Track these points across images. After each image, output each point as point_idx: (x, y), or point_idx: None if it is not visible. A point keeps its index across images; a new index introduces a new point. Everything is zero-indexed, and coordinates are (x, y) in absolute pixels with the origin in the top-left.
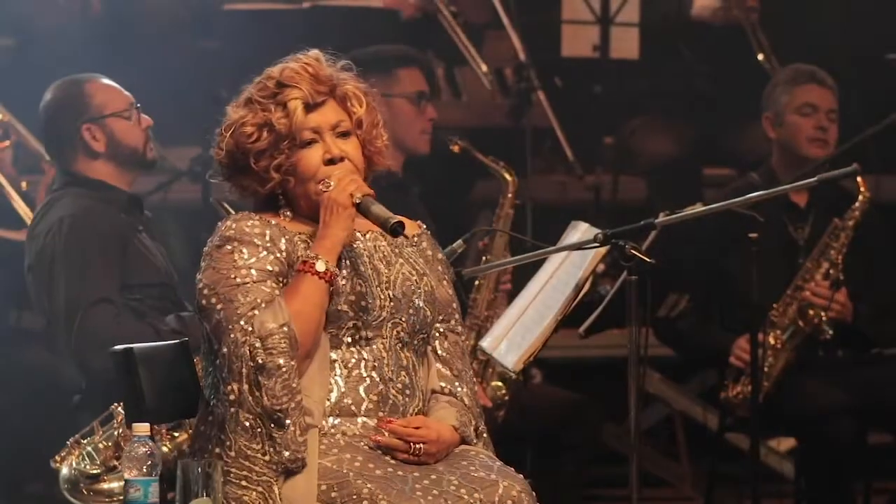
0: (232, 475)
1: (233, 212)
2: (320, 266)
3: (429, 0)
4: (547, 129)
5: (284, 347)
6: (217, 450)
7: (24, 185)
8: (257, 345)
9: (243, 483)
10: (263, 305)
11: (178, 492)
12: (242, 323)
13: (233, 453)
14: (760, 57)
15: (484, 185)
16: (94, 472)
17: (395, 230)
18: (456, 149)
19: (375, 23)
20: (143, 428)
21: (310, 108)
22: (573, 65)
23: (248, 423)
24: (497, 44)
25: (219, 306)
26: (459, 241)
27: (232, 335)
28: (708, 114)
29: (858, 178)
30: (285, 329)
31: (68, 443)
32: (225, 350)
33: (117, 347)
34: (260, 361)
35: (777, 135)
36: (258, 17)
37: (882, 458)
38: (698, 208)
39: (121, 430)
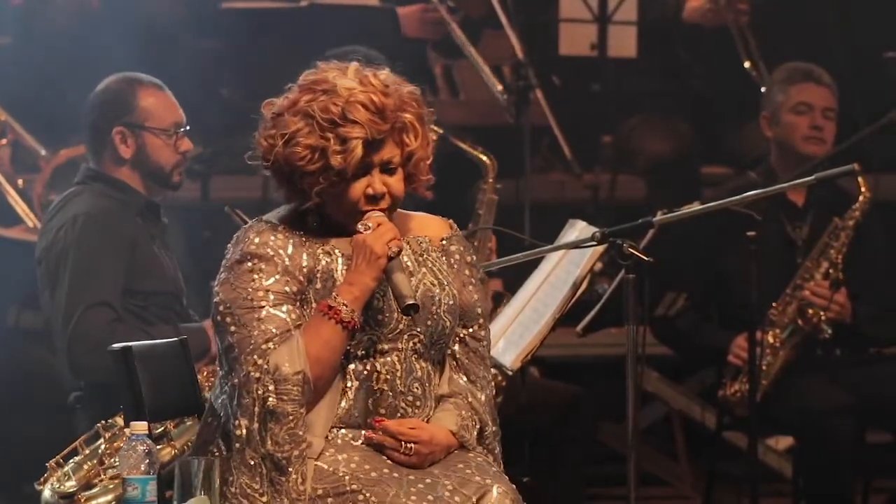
0: None
1: (247, 220)
2: (346, 315)
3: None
4: (545, 127)
5: (296, 395)
6: (218, 424)
7: (20, 182)
8: (270, 387)
9: None
10: (278, 338)
11: (176, 490)
12: (256, 357)
13: (234, 489)
14: (747, 64)
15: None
16: (70, 490)
17: (407, 312)
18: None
19: (373, 21)
20: (141, 426)
21: (368, 145)
22: (571, 63)
23: (252, 462)
24: (495, 42)
25: (232, 328)
26: None
27: (245, 367)
28: (706, 112)
29: (859, 178)
30: (299, 377)
31: (48, 465)
32: (236, 381)
33: (115, 346)
34: (270, 406)
35: (774, 134)
36: (256, 15)
37: (881, 457)
38: (696, 207)
39: (105, 447)
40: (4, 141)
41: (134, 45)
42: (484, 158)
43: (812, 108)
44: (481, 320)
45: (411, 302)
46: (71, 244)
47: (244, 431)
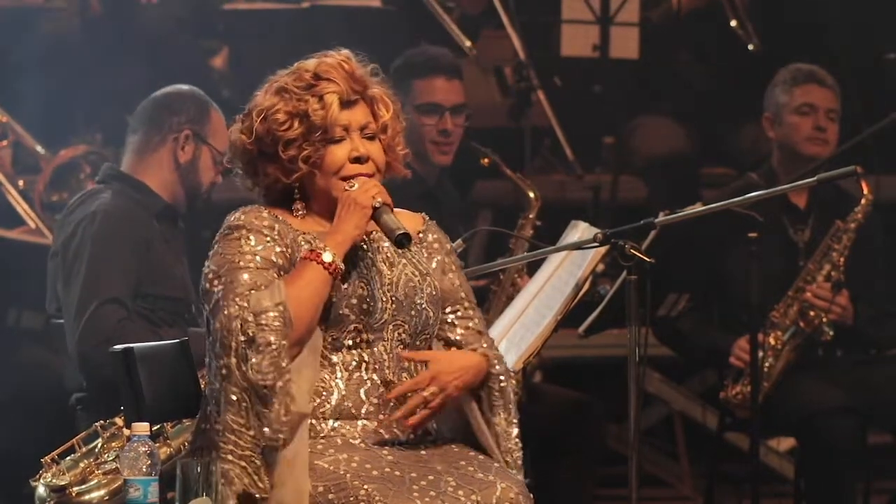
0: (221, 449)
1: None
2: (327, 257)
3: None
4: (546, 128)
5: (277, 325)
6: (210, 426)
7: (21, 183)
8: (249, 319)
9: (229, 457)
10: (263, 287)
11: (178, 491)
12: (238, 300)
13: (219, 426)
14: (733, 23)
15: (484, 186)
16: (62, 484)
17: (401, 242)
18: (485, 162)
19: (374, 22)
20: (142, 427)
21: (344, 104)
22: (573, 64)
23: (234, 398)
24: (497, 43)
25: (218, 287)
26: (459, 241)
27: (226, 311)
28: (707, 113)
29: (862, 181)
30: (280, 308)
31: (43, 461)
32: (217, 325)
33: (117, 347)
34: (251, 334)
35: (776, 134)
36: (258, 16)
37: (882, 458)
38: (698, 208)
39: (103, 446)
40: (5, 142)
41: (135, 47)
42: (531, 194)
43: (815, 109)
44: (467, 302)
45: (402, 231)
46: (88, 239)
47: (225, 370)
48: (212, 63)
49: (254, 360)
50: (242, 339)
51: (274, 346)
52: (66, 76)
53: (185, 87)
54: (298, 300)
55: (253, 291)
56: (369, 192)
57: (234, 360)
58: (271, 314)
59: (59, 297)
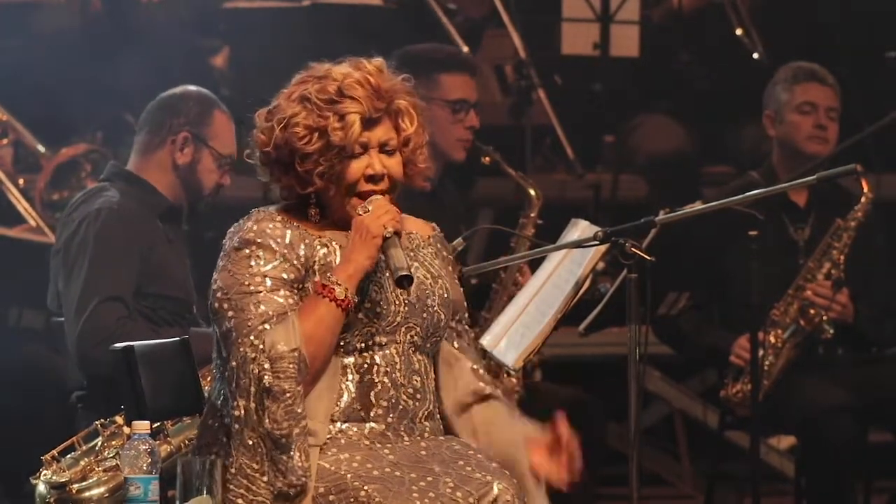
0: (231, 491)
1: None
2: (340, 293)
3: None
4: (547, 126)
5: (292, 372)
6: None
7: (21, 181)
8: (266, 366)
9: (239, 501)
10: (275, 319)
11: (179, 489)
12: (252, 338)
13: (233, 470)
14: (739, 31)
15: (484, 184)
16: (63, 481)
17: (401, 283)
18: (486, 160)
19: (375, 21)
20: (143, 426)
21: (365, 123)
22: (573, 63)
23: (251, 442)
24: (497, 41)
25: (230, 313)
26: (459, 239)
27: (241, 349)
28: (708, 112)
29: (862, 179)
30: (295, 354)
31: (43, 458)
32: (233, 364)
33: (117, 345)
34: (266, 384)
35: (777, 132)
36: (259, 15)
37: (882, 457)
38: (698, 206)
39: (103, 444)
40: (6, 141)
41: (135, 46)
42: (532, 193)
43: (816, 107)
44: (466, 314)
45: (405, 273)
46: (91, 236)
47: (242, 412)
48: (212, 62)
49: (270, 407)
50: (259, 385)
51: (289, 395)
52: (67, 74)
53: (192, 88)
54: (312, 339)
55: (266, 326)
56: (381, 220)
57: (252, 405)
58: (286, 361)
59: (60, 295)
